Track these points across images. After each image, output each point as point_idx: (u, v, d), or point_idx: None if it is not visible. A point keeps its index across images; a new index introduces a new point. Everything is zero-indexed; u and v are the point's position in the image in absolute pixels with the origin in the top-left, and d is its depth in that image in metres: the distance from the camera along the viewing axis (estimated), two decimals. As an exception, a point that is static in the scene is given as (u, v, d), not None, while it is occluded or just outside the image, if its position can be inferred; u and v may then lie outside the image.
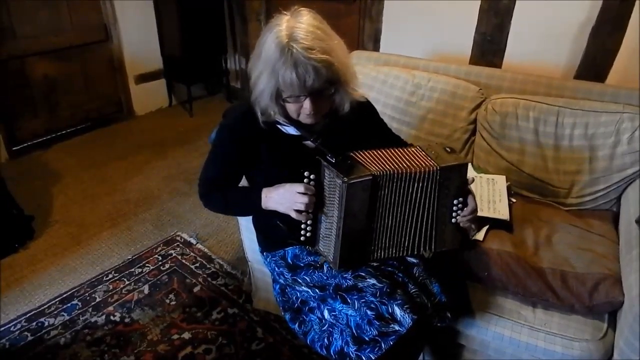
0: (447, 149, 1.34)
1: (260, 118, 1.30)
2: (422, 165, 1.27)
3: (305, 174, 1.26)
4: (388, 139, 1.53)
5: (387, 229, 1.31)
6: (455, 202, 1.32)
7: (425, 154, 1.31)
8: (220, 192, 1.44)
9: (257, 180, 1.45)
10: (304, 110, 1.24)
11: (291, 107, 1.27)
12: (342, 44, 1.26)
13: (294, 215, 1.28)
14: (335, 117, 1.35)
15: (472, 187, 1.38)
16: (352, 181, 1.19)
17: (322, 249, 1.33)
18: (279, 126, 1.35)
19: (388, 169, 1.25)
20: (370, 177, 1.22)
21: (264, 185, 1.36)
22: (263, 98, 1.25)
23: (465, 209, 1.34)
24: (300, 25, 1.18)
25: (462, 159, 1.31)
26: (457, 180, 1.30)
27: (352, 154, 1.28)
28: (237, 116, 1.38)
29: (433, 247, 1.36)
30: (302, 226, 1.31)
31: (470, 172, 1.94)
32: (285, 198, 1.29)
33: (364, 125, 1.45)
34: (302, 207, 1.25)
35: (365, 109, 1.47)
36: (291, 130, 1.35)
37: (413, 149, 1.34)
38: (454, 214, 1.34)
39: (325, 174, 1.25)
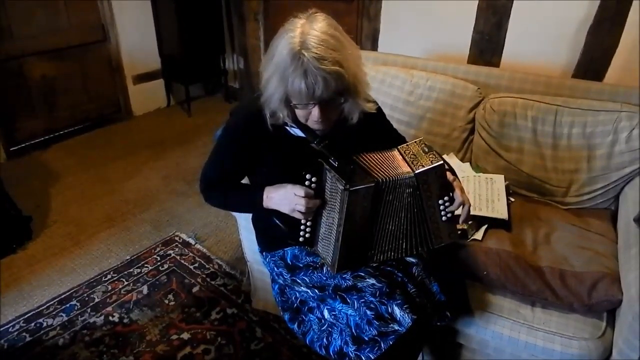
0: (425, 148, 1.32)
1: (269, 120, 1.29)
2: (399, 172, 1.26)
3: (307, 176, 1.26)
4: (392, 142, 1.52)
5: (385, 233, 1.31)
6: (440, 201, 1.32)
7: (402, 157, 1.31)
8: (222, 189, 1.44)
9: (258, 181, 1.45)
10: (312, 117, 1.23)
11: (300, 113, 1.25)
12: (356, 53, 1.23)
13: (297, 216, 1.28)
14: (344, 124, 1.34)
15: (465, 186, 1.38)
16: (354, 188, 1.18)
17: (320, 251, 1.33)
18: (286, 127, 1.35)
19: (387, 174, 1.24)
20: (373, 185, 1.22)
21: (266, 185, 1.36)
22: (272, 101, 1.24)
23: (453, 205, 1.33)
24: (313, 33, 1.15)
25: (437, 159, 1.29)
26: (436, 182, 1.29)
27: (355, 157, 1.28)
28: (243, 117, 1.37)
29: (431, 245, 1.36)
30: (302, 227, 1.31)
31: (469, 172, 1.94)
32: (286, 199, 1.28)
33: (372, 133, 1.44)
34: (302, 209, 1.25)
35: (375, 117, 1.44)
36: (298, 132, 1.34)
37: (393, 153, 1.33)
38: (442, 213, 1.33)
39: (327, 178, 1.25)
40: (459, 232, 1.62)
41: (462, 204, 1.33)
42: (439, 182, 1.30)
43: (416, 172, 1.26)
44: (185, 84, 3.94)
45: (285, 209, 1.30)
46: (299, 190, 1.25)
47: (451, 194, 1.32)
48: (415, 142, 1.34)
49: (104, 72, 3.71)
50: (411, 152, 1.31)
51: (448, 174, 1.34)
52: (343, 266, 1.30)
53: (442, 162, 1.28)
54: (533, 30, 2.30)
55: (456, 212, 1.34)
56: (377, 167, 1.27)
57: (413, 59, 2.28)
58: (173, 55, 3.89)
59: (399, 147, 1.34)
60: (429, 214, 1.32)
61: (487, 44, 2.45)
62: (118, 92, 3.84)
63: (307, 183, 1.26)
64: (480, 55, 2.49)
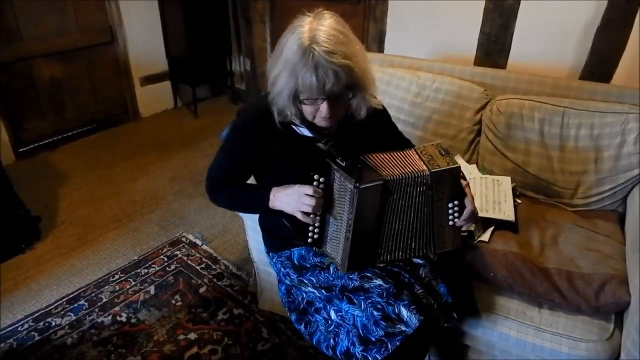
0: (442, 150, 1.33)
1: (277, 118, 1.30)
2: (415, 170, 1.27)
3: (315, 176, 1.26)
4: (399, 144, 1.52)
5: (393, 233, 1.31)
6: (450, 205, 1.32)
7: (419, 157, 1.31)
8: (228, 188, 1.44)
9: (265, 180, 1.46)
10: (320, 113, 1.24)
11: (307, 109, 1.26)
12: (363, 50, 1.25)
13: (300, 216, 1.28)
14: (351, 122, 1.35)
15: (472, 187, 1.37)
16: (363, 186, 1.19)
17: (329, 251, 1.34)
18: (293, 127, 1.35)
19: (396, 173, 1.25)
20: (382, 182, 1.22)
21: (272, 185, 1.36)
22: (281, 98, 1.25)
23: (464, 212, 1.33)
24: (322, 28, 1.17)
25: (454, 162, 1.30)
26: (449, 184, 1.29)
27: (362, 157, 1.28)
28: (250, 117, 1.38)
29: (433, 248, 1.36)
30: (310, 227, 1.31)
31: (475, 173, 1.94)
32: (292, 199, 1.29)
33: (378, 132, 1.45)
34: (308, 210, 1.26)
35: (381, 116, 1.47)
36: (305, 131, 1.35)
37: (409, 152, 1.33)
38: (450, 217, 1.33)
39: (335, 177, 1.26)
40: (466, 234, 1.63)
41: (472, 212, 1.33)
42: (453, 185, 1.30)
43: (432, 170, 1.27)
44: (191, 85, 3.96)
45: (290, 209, 1.30)
46: (307, 189, 1.26)
47: (462, 199, 1.33)
48: (432, 144, 1.36)
49: (111, 74, 3.73)
50: (428, 153, 1.32)
51: (462, 180, 1.34)
52: (352, 266, 1.30)
53: (458, 165, 1.29)
54: (540, 32, 2.30)
55: (464, 222, 1.35)
56: (385, 165, 1.28)
57: (419, 60, 2.28)
58: (180, 57, 3.91)
59: (415, 147, 1.35)
60: (437, 216, 1.32)
61: (494, 46, 2.45)
62: (125, 93, 3.86)
63: (315, 183, 1.27)
64: (486, 57, 2.49)
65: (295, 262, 1.47)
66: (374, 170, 1.25)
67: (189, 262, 2.39)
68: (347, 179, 1.21)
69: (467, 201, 1.33)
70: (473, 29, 2.47)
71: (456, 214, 1.33)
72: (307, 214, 1.27)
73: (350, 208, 1.21)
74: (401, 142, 1.56)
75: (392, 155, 1.31)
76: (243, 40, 3.94)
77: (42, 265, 2.36)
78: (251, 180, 1.53)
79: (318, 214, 1.28)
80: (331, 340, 1.35)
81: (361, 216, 1.23)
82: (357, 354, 1.28)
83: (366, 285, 1.32)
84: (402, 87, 2.15)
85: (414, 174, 1.26)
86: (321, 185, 1.27)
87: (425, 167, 1.28)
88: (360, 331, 1.29)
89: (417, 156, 1.32)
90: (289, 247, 1.48)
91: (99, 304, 2.13)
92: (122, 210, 2.80)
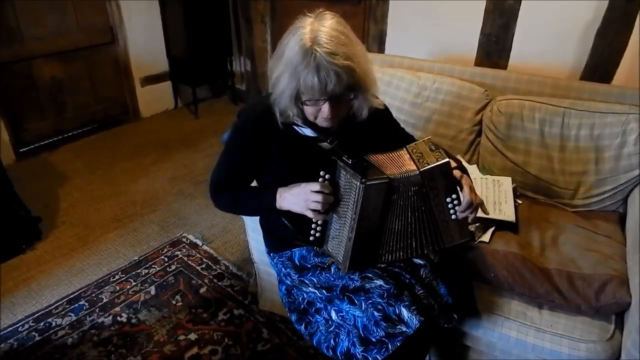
0: (432, 146, 1.32)
1: (279, 119, 1.30)
2: (405, 170, 1.27)
3: (321, 172, 1.26)
4: (402, 142, 1.52)
5: (395, 232, 1.31)
6: (448, 199, 1.31)
7: (410, 156, 1.31)
8: (232, 191, 1.44)
9: (267, 181, 1.45)
10: (322, 114, 1.24)
11: (309, 110, 1.26)
12: (364, 50, 1.25)
13: (310, 214, 1.27)
14: (352, 122, 1.35)
15: (473, 180, 1.36)
16: (370, 183, 1.19)
17: (330, 250, 1.33)
18: (295, 127, 1.35)
19: (391, 173, 1.25)
20: (387, 181, 1.23)
21: (272, 186, 1.36)
22: (283, 99, 1.25)
23: (461, 203, 1.31)
24: (324, 29, 1.17)
25: (443, 157, 1.29)
26: (442, 180, 1.29)
27: (366, 157, 1.28)
28: (250, 117, 1.38)
29: (442, 244, 1.35)
30: (312, 226, 1.31)
31: (476, 174, 1.94)
32: (300, 198, 1.28)
33: (380, 131, 1.45)
34: (318, 207, 1.25)
35: (382, 116, 1.47)
36: (307, 131, 1.35)
37: (400, 152, 1.33)
38: (451, 211, 1.32)
39: (341, 175, 1.26)
40: (477, 224, 1.62)
41: (471, 203, 1.30)
42: (445, 180, 1.29)
43: (421, 169, 1.26)
44: (192, 85, 3.96)
45: (298, 208, 1.29)
46: (314, 186, 1.25)
47: (459, 192, 1.32)
48: (423, 140, 1.35)
49: (112, 74, 3.73)
50: (418, 151, 1.32)
51: (456, 171, 1.33)
52: (353, 265, 1.30)
53: (447, 159, 1.28)
54: (540, 32, 2.30)
55: (464, 213, 1.33)
56: (386, 165, 1.28)
57: (419, 61, 2.29)
58: (180, 57, 3.91)
59: (407, 146, 1.35)
60: (437, 213, 1.31)
61: (494, 46, 2.45)
62: (126, 93, 3.86)
63: (320, 180, 1.27)
64: (487, 57, 2.49)
65: (296, 262, 1.47)
66: (378, 170, 1.25)
67: (189, 262, 2.39)
68: (353, 175, 1.21)
69: (463, 192, 1.32)
70: (473, 29, 2.47)
71: (457, 207, 1.32)
72: (317, 211, 1.26)
73: (355, 205, 1.22)
74: (405, 141, 1.55)
75: (385, 156, 1.31)
76: (243, 41, 3.94)
77: (42, 265, 2.37)
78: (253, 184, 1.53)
79: (325, 210, 1.28)
80: (331, 341, 1.35)
81: (365, 214, 1.23)
82: (357, 354, 1.28)
83: (367, 286, 1.32)
84: (402, 88, 2.15)
85: (406, 175, 1.26)
86: (326, 182, 1.27)
87: (414, 167, 1.27)
88: (361, 332, 1.29)
89: (407, 155, 1.31)
90: (289, 248, 1.48)
91: (100, 304, 2.13)
92: (123, 210, 2.81)
